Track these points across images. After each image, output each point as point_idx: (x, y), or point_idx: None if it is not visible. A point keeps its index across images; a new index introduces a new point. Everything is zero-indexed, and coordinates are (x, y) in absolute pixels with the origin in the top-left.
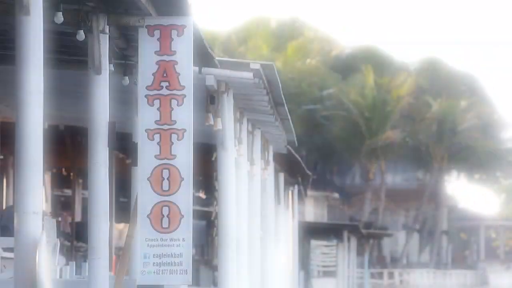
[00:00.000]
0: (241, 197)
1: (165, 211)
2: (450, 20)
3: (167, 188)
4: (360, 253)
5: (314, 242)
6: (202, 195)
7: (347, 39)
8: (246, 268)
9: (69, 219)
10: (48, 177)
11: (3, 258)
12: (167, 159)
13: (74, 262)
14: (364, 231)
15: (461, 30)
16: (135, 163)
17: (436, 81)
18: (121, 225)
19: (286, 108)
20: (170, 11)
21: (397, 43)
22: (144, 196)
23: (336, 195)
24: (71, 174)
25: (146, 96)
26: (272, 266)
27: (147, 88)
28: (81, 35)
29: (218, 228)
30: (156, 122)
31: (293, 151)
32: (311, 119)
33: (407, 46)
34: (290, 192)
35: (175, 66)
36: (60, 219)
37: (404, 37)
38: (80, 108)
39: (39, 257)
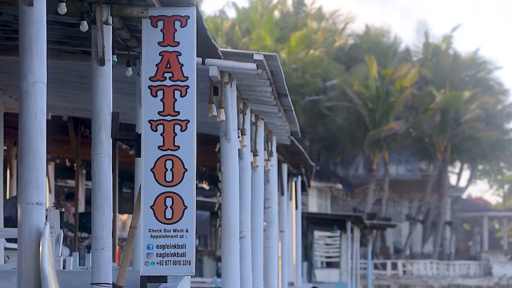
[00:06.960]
0: (244, 188)
1: (169, 202)
2: None
3: (170, 179)
4: (363, 244)
5: (317, 233)
6: (205, 186)
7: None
8: (249, 259)
9: (73, 210)
10: (51, 168)
11: (6, 249)
12: (171, 150)
13: (78, 253)
14: (367, 222)
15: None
16: (138, 154)
17: (439, 72)
18: (124, 216)
19: (290, 99)
20: (173, 2)
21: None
22: (148, 187)
23: (340, 186)
24: (75, 164)
25: (149, 87)
26: (276, 257)
27: (151, 79)
28: (84, 26)
29: (222, 219)
30: (159, 113)
31: (296, 142)
32: (315, 110)
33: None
34: (293, 183)
35: (179, 57)
36: (63, 210)
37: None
38: (84, 99)
39: (43, 248)
